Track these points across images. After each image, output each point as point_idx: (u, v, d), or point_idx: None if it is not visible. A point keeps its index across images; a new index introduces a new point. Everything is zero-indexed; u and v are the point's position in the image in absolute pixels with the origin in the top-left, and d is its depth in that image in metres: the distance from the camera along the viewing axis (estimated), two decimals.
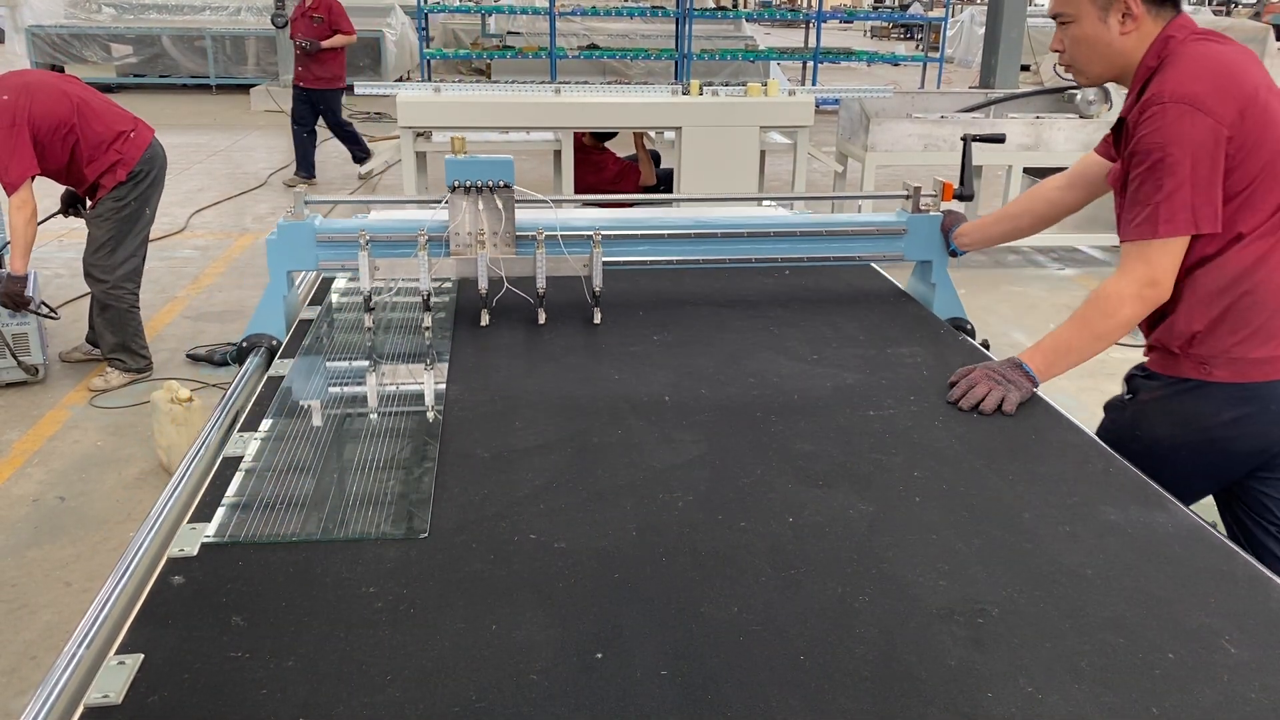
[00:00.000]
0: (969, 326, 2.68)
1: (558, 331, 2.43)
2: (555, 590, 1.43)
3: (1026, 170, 6.53)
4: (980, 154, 6.53)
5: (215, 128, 11.82)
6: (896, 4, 32.09)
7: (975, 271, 6.66)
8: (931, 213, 2.72)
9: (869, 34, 28.63)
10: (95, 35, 14.50)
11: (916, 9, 20.90)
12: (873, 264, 2.91)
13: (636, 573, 1.48)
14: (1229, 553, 1.57)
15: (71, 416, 4.35)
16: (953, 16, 20.65)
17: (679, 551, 1.53)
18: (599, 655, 1.30)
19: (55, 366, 4.81)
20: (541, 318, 2.48)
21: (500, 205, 2.44)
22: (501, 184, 2.42)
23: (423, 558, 1.51)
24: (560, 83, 7.32)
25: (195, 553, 1.51)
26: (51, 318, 4.68)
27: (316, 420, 1.94)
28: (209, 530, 1.57)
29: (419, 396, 2.07)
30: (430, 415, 1.99)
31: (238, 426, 1.95)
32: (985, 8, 13.77)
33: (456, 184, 2.42)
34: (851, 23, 28.69)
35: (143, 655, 1.28)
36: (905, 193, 2.76)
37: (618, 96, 5.97)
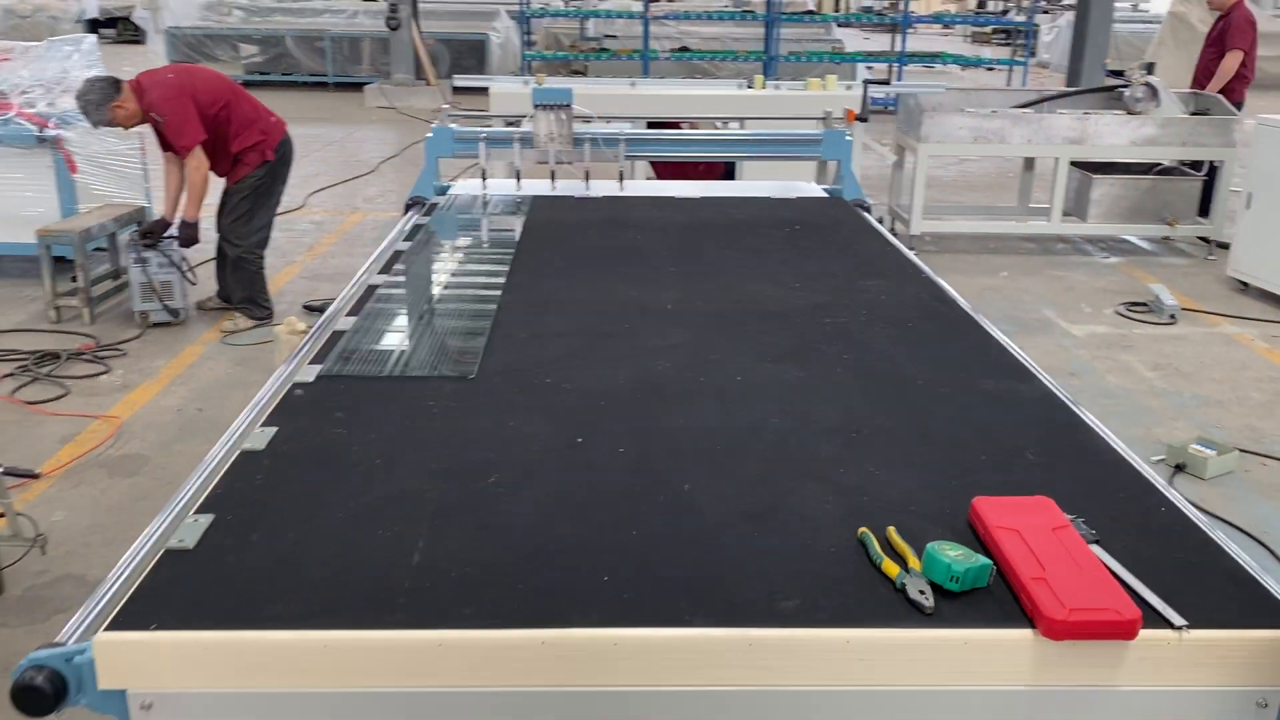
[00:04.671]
0: (868, 204, 3.93)
1: (590, 262, 3.04)
2: (558, 409, 2.04)
3: (1074, 164, 6.89)
4: (1029, 148, 6.92)
5: (331, 121, 12.80)
6: (1002, 9, 31.87)
7: (1022, 258, 7.04)
8: (838, 128, 4.16)
9: (969, 39, 28.59)
10: (226, 36, 15.75)
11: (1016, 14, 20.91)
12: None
13: (616, 401, 2.07)
14: (1062, 407, 2.09)
15: (207, 350, 5.16)
16: (1052, 22, 20.67)
17: (651, 391, 2.12)
18: (579, 440, 1.90)
19: (193, 314, 5.63)
20: (587, 185, 4.06)
21: (565, 117, 3.94)
22: (565, 104, 3.93)
23: (469, 387, 2.13)
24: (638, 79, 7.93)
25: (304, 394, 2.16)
26: (190, 281, 5.51)
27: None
28: (317, 371, 2.22)
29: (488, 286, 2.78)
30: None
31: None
32: None
33: (539, 104, 3.93)
34: (952, 28, 28.70)
35: (213, 515, 1.67)
36: (822, 115, 4.26)
37: (684, 89, 6.57)
